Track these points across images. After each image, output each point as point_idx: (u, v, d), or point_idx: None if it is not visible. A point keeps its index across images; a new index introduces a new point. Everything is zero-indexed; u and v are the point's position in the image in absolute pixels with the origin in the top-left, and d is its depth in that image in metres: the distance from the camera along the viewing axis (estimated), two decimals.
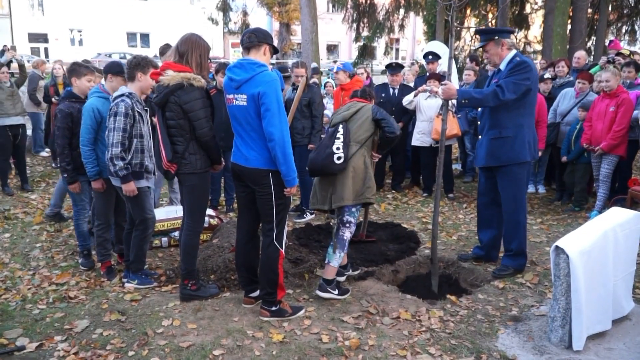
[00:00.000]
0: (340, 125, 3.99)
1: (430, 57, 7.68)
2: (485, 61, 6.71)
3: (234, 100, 3.41)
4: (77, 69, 4.46)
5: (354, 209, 3.96)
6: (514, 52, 4.24)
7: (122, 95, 3.91)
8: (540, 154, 6.07)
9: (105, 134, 4.10)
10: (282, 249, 3.58)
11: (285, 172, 3.37)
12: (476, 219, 6.02)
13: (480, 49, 4.45)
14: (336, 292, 3.90)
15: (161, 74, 3.58)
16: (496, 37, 4.21)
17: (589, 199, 6.49)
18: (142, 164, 4.05)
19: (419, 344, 3.28)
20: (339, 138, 3.90)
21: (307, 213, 6.09)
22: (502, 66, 4.23)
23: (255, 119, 3.35)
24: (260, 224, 3.68)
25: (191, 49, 3.60)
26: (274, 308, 3.61)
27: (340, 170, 3.83)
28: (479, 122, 4.59)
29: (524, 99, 4.15)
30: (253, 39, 3.42)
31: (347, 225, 3.96)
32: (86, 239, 4.61)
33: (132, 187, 3.95)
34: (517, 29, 16.58)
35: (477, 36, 4.66)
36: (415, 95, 6.83)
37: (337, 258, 3.92)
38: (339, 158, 3.81)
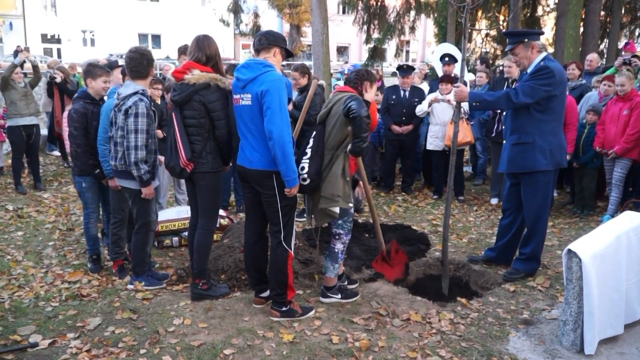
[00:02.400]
0: (314, 133, 3.66)
1: (446, 59, 7.64)
2: (504, 65, 6.63)
3: (240, 100, 3.42)
4: (92, 70, 4.44)
5: (340, 221, 3.74)
6: (543, 54, 4.10)
7: (137, 93, 3.83)
8: (569, 158, 5.91)
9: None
10: (290, 250, 3.58)
11: (285, 172, 3.33)
12: (486, 222, 6.03)
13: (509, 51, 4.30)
14: (338, 296, 3.88)
15: (185, 72, 3.58)
16: (526, 40, 4.08)
17: (598, 204, 6.44)
18: (155, 165, 4.05)
19: (429, 346, 3.27)
20: (306, 153, 3.60)
21: None
22: (530, 69, 4.10)
23: (260, 118, 3.34)
24: (268, 225, 3.69)
25: (217, 54, 3.69)
26: (284, 308, 3.61)
27: (312, 190, 3.60)
28: (503, 127, 4.50)
29: (547, 105, 4.01)
30: (263, 41, 3.45)
31: (337, 237, 3.81)
32: (95, 243, 4.58)
33: (152, 190, 3.98)
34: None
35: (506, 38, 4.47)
36: (429, 105, 6.81)
37: (332, 270, 3.84)
38: (304, 180, 3.51)
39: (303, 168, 3.51)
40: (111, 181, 4.26)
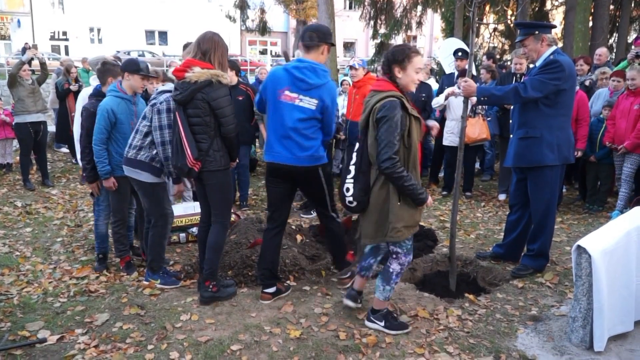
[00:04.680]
0: (356, 146, 3.27)
1: (459, 53, 7.58)
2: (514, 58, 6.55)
3: (298, 100, 3.51)
4: (112, 69, 4.41)
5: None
6: (553, 48, 4.04)
7: (170, 91, 3.84)
8: (579, 154, 5.84)
9: (118, 133, 4.14)
10: (338, 217, 3.98)
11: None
12: (494, 218, 6.00)
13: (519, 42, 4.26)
14: (382, 323, 3.38)
15: (186, 70, 3.52)
16: (536, 32, 4.03)
17: (609, 199, 6.39)
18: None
19: (437, 343, 3.25)
20: (349, 171, 3.23)
21: (314, 210, 6.11)
22: (538, 63, 4.06)
23: (317, 121, 3.60)
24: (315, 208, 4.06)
25: (214, 48, 3.58)
26: (348, 274, 4.01)
27: (361, 211, 3.26)
28: (510, 121, 4.47)
29: (556, 99, 3.97)
30: (314, 39, 3.53)
31: (395, 256, 3.30)
32: (104, 241, 4.55)
33: (182, 187, 4.00)
34: None
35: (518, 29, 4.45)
36: (446, 99, 6.76)
37: (381, 291, 3.35)
38: (350, 202, 3.21)
39: (348, 189, 3.20)
40: (105, 182, 4.22)
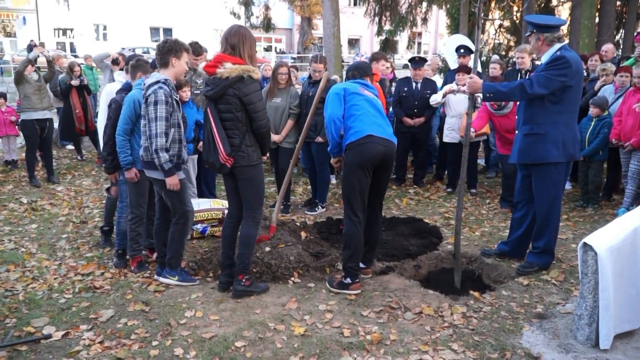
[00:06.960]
0: None
1: (462, 50, 7.54)
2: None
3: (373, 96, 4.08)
4: (143, 65, 4.43)
5: None
6: (560, 44, 4.02)
7: (158, 82, 3.77)
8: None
9: (142, 125, 4.05)
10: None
11: None
12: (499, 215, 5.98)
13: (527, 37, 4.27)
14: None
15: (217, 66, 3.54)
16: (534, 31, 4.05)
17: (614, 196, 6.35)
18: (180, 155, 3.93)
19: (441, 340, 3.25)
20: None
21: (319, 206, 6.10)
22: (545, 59, 4.05)
23: None
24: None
25: (242, 41, 3.60)
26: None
27: None
28: (516, 117, 4.45)
29: (562, 96, 3.95)
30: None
31: None
32: (124, 238, 4.49)
33: (177, 180, 3.85)
34: None
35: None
36: (444, 97, 6.72)
37: None
38: None
39: None
40: (127, 172, 4.22)
